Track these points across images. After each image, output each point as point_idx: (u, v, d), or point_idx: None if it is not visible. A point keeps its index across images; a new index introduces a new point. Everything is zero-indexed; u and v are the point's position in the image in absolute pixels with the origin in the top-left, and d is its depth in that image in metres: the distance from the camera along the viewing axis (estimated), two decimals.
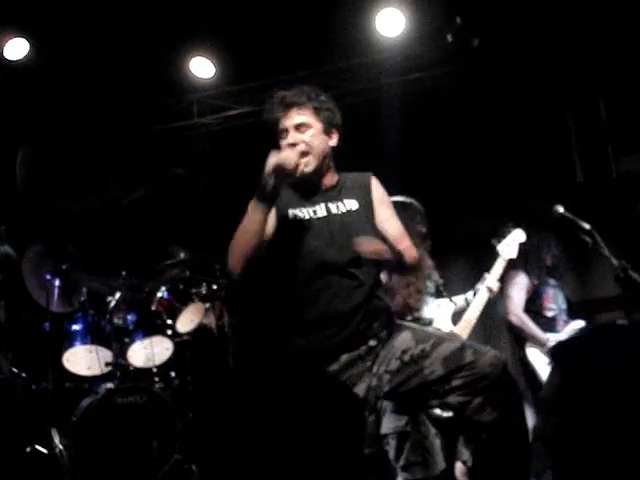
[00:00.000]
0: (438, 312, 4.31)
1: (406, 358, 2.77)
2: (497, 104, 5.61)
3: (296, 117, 2.88)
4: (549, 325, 4.72)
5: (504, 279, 4.67)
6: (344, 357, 2.78)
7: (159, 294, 5.22)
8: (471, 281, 4.66)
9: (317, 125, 2.89)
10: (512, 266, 4.70)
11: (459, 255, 6.13)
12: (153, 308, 5.17)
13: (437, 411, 3.42)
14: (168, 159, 6.20)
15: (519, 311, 4.73)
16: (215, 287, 5.26)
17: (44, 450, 4.78)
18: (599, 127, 5.56)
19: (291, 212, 2.87)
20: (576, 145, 5.57)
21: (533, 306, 4.79)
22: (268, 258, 2.79)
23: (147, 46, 5.49)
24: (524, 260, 4.78)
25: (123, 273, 5.17)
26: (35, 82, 5.66)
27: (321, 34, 5.40)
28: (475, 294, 4.37)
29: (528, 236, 4.63)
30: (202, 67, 5.89)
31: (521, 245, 4.59)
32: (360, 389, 2.77)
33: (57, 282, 5.16)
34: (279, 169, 2.65)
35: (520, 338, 4.74)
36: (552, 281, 4.87)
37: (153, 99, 6.06)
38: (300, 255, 2.79)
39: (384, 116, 5.62)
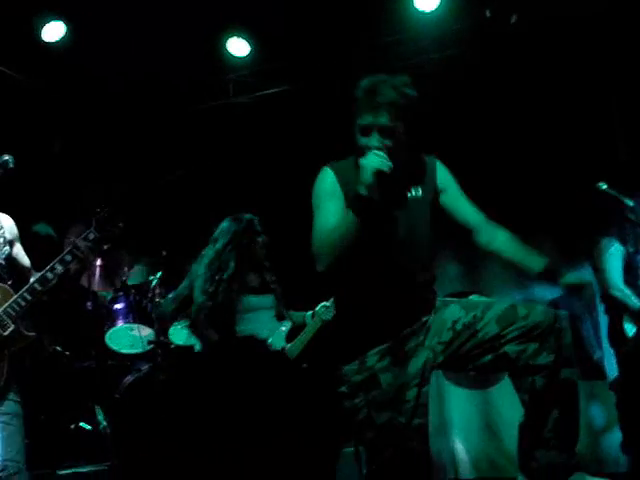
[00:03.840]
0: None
1: (458, 327, 2.85)
2: (533, 83, 5.52)
3: (384, 119, 2.76)
4: None
5: (596, 249, 4.49)
6: (401, 333, 2.85)
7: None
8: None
9: (401, 127, 2.78)
10: (604, 233, 4.47)
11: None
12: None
13: None
14: (205, 138, 6.23)
15: (621, 284, 4.38)
16: None
17: (88, 427, 4.88)
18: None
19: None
20: (619, 124, 5.45)
21: (628, 276, 4.42)
22: None
23: (183, 26, 5.48)
24: (618, 227, 4.44)
25: (163, 252, 5.23)
26: (72, 65, 5.71)
27: (357, 11, 5.37)
28: (314, 316, 4.42)
29: (620, 202, 4.29)
30: (238, 46, 5.88)
31: (618, 212, 4.31)
32: (416, 363, 2.83)
33: (99, 262, 5.24)
34: (380, 175, 2.65)
35: (618, 312, 4.42)
36: None
37: (190, 79, 6.06)
38: (373, 235, 2.78)
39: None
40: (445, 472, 5.35)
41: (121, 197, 4.91)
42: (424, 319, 2.89)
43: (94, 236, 3.34)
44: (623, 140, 5.25)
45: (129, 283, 5.35)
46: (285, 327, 4.59)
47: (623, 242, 4.45)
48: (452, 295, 5.12)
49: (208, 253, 4.35)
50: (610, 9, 5.07)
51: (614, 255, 4.43)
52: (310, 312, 4.56)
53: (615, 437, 4.65)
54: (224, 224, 4.37)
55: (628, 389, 4.40)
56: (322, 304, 4.44)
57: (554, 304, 5.21)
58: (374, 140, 2.76)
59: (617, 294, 4.37)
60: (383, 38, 5.68)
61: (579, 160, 5.38)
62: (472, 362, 2.88)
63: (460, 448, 5.35)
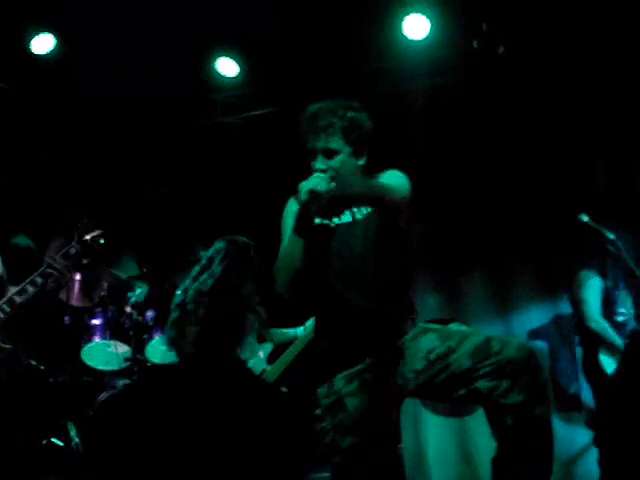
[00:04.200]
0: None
1: (432, 356, 2.85)
2: (523, 112, 5.58)
3: (323, 142, 2.86)
4: (619, 331, 4.48)
5: (575, 280, 4.61)
6: (370, 358, 2.86)
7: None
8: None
9: (346, 149, 2.89)
10: (584, 265, 4.58)
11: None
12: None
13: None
14: (190, 157, 6.23)
15: (598, 317, 4.50)
16: None
17: (60, 443, 4.81)
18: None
19: (318, 220, 2.95)
20: (599, 155, 5.50)
21: (605, 310, 4.54)
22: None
23: (172, 44, 5.49)
24: (599, 260, 4.56)
25: (143, 269, 5.21)
26: (60, 77, 5.70)
27: (347, 36, 5.40)
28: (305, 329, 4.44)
29: (601, 234, 4.44)
30: (227, 66, 5.88)
31: (599, 245, 4.44)
32: (386, 389, 2.85)
33: (78, 276, 5.20)
34: (313, 195, 2.69)
35: (594, 344, 4.52)
36: (621, 284, 4.60)
37: (178, 97, 6.07)
38: (331, 258, 2.88)
39: (409, 120, 5.61)
40: None
41: (103, 212, 4.90)
42: (397, 344, 2.90)
43: (75, 250, 3.33)
44: (603, 171, 5.28)
45: (123, 277, 5.30)
46: (264, 351, 4.58)
47: (603, 276, 4.54)
48: (433, 321, 5.15)
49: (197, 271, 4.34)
50: (594, 40, 5.14)
51: (593, 287, 4.53)
52: (301, 327, 4.57)
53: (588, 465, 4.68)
54: (218, 244, 4.34)
55: (606, 427, 4.45)
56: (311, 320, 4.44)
57: (533, 334, 5.24)
58: (318, 162, 2.85)
59: (594, 326, 4.45)
60: (371, 64, 5.72)
61: (561, 190, 5.42)
62: (445, 394, 2.89)
63: (436, 473, 5.34)
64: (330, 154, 2.86)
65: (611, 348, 4.45)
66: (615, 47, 5.12)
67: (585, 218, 4.24)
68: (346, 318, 2.87)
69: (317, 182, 2.73)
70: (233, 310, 4.15)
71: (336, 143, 2.87)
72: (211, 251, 4.31)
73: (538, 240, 5.51)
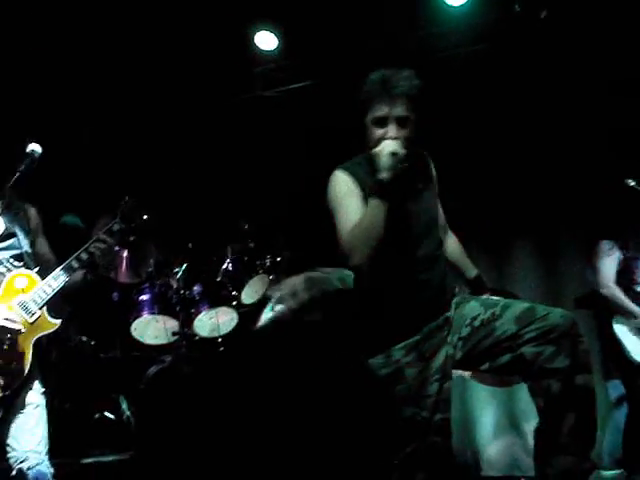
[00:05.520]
0: None
1: (476, 323, 2.88)
2: (566, 77, 5.46)
3: (401, 109, 2.81)
4: (637, 301, 4.58)
5: (595, 251, 4.72)
6: (426, 328, 2.87)
7: (224, 265, 5.29)
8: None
9: (413, 117, 2.85)
10: (605, 236, 4.69)
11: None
12: (218, 279, 5.24)
13: None
14: (230, 131, 6.24)
15: (610, 283, 4.62)
16: (279, 259, 5.31)
17: (112, 416, 4.91)
18: None
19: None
20: None
21: (623, 279, 4.65)
22: None
23: (211, 19, 5.49)
24: (621, 231, 4.70)
25: (189, 245, 5.26)
26: (100, 54, 5.74)
27: (385, 5, 5.34)
28: None
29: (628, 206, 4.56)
30: (266, 40, 5.87)
31: (619, 214, 4.56)
32: (439, 358, 2.86)
33: (125, 253, 5.27)
34: (396, 158, 2.69)
35: (608, 312, 4.63)
36: None
37: (218, 72, 6.07)
38: (392, 230, 2.82)
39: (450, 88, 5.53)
40: (468, 469, 5.34)
41: (147, 189, 4.94)
42: (447, 314, 2.92)
43: (118, 227, 3.37)
44: None
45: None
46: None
47: (623, 246, 4.66)
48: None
49: None
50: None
51: (609, 257, 4.65)
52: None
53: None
54: None
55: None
56: None
57: (579, 303, 5.16)
58: (391, 130, 2.79)
59: (605, 292, 4.60)
60: (412, 32, 5.65)
61: (607, 158, 5.31)
62: (490, 361, 2.88)
63: (484, 445, 5.33)
64: (403, 122, 2.81)
65: (625, 314, 4.55)
66: None
67: (632, 182, 4.20)
68: (407, 289, 2.87)
69: (397, 147, 2.71)
70: None
71: (409, 111, 2.82)
72: None
73: (584, 210, 5.42)
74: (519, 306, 2.87)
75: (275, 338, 4.02)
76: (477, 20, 5.44)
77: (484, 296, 3.13)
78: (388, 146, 2.71)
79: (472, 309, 2.92)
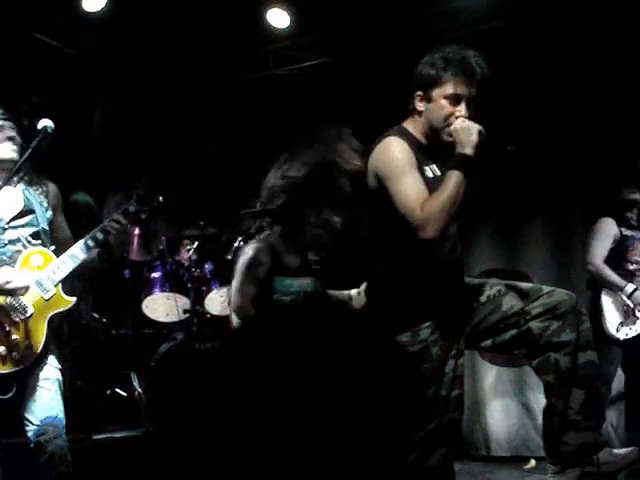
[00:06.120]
0: None
1: (482, 299, 2.92)
2: (586, 56, 5.39)
3: (473, 91, 2.83)
4: (626, 279, 4.69)
5: (592, 227, 4.83)
6: (451, 308, 2.88)
7: (235, 244, 5.29)
8: None
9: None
10: (604, 213, 4.80)
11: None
12: (229, 257, 5.24)
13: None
14: (244, 109, 6.22)
15: (597, 261, 4.73)
16: None
17: (123, 393, 4.94)
18: None
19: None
20: None
21: (615, 256, 4.76)
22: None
23: None
24: (617, 206, 4.82)
25: (201, 223, 5.26)
26: (112, 34, 5.72)
27: None
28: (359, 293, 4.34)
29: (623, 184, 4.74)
30: (278, 18, 5.83)
31: (616, 191, 4.69)
32: (454, 335, 2.88)
33: (137, 231, 5.28)
34: (483, 136, 2.72)
35: (597, 286, 4.75)
36: None
37: (229, 50, 6.04)
38: None
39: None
40: (477, 448, 5.35)
41: (161, 169, 4.94)
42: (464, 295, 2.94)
43: (134, 208, 3.37)
44: None
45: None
46: None
47: (622, 223, 4.80)
48: (487, 272, 5.12)
49: None
50: None
51: (602, 233, 4.80)
52: (355, 290, 4.52)
53: None
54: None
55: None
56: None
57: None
58: (465, 109, 2.81)
59: (590, 268, 4.75)
60: (427, 9, 5.59)
61: (621, 141, 5.27)
62: (494, 336, 2.90)
63: (494, 425, 5.34)
64: (471, 104, 2.83)
65: (612, 287, 4.68)
66: None
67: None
68: (436, 269, 2.86)
69: (479, 126, 2.74)
70: None
71: (475, 94, 2.85)
72: None
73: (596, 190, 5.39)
74: (524, 284, 2.94)
75: (293, 316, 4.02)
76: None
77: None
78: (473, 124, 2.73)
79: (478, 287, 2.95)
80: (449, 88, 2.80)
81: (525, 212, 5.64)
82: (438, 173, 2.91)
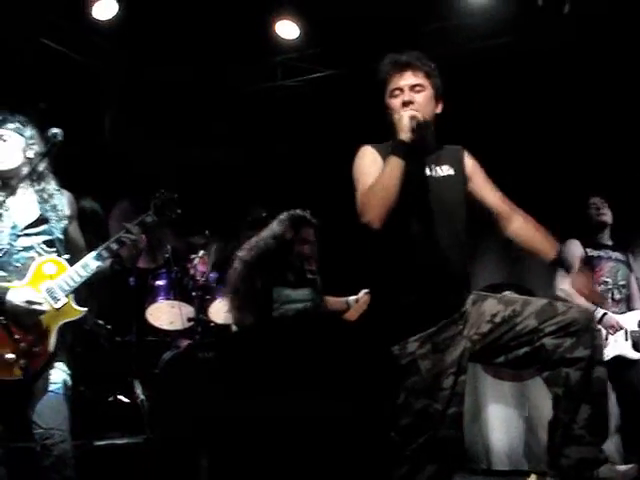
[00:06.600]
0: None
1: (497, 320, 2.88)
2: (587, 73, 5.44)
3: (412, 78, 2.95)
4: None
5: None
6: (441, 321, 2.87)
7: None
8: None
9: (429, 89, 2.97)
10: (572, 235, 4.77)
11: None
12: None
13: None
14: (251, 120, 6.25)
15: (565, 286, 4.52)
16: None
17: (126, 400, 4.95)
18: None
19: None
20: None
21: None
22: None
23: (232, 8, 5.49)
24: (590, 230, 4.80)
25: (206, 232, 5.28)
26: (122, 42, 5.76)
27: None
28: (357, 301, 4.37)
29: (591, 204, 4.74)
30: (287, 29, 5.86)
31: (581, 212, 4.72)
32: (453, 351, 2.86)
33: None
34: (415, 120, 2.80)
35: None
36: (615, 254, 4.78)
37: (238, 61, 6.08)
38: (410, 211, 2.88)
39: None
40: (477, 462, 5.35)
41: (165, 176, 4.96)
42: (462, 309, 2.92)
43: (151, 220, 3.37)
44: None
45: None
46: None
47: (587, 244, 4.77)
48: (490, 287, 5.13)
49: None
50: None
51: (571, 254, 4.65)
52: (353, 297, 4.56)
53: None
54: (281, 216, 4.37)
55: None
56: (364, 291, 4.44)
57: None
58: (405, 95, 2.91)
59: (560, 294, 4.54)
60: (434, 24, 5.64)
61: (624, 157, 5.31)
62: (507, 353, 2.88)
63: (495, 439, 5.34)
64: (416, 88, 2.94)
65: None
66: None
67: None
68: (422, 280, 2.87)
69: (415, 112, 2.84)
70: None
71: (422, 80, 2.96)
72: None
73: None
74: (539, 302, 2.89)
75: (291, 327, 4.04)
76: (499, 13, 5.41)
77: (502, 294, 3.14)
78: (407, 111, 2.84)
79: (492, 306, 2.92)
80: (388, 89, 2.97)
81: None
82: (440, 173, 3.00)
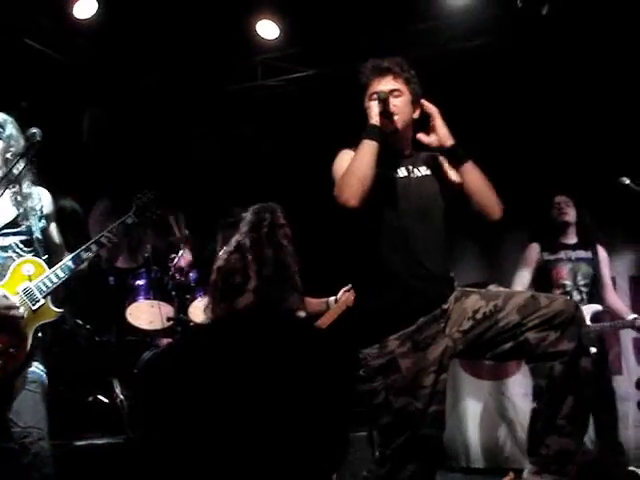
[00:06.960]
0: None
1: (479, 316, 2.88)
2: (565, 74, 5.49)
3: (391, 83, 3.04)
4: None
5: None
6: (421, 319, 2.88)
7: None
8: None
9: (407, 95, 3.06)
10: (531, 238, 4.87)
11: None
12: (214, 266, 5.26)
13: None
14: (232, 120, 6.25)
15: (519, 286, 4.74)
16: None
17: (105, 400, 4.93)
18: None
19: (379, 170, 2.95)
20: None
21: (545, 280, 4.75)
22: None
23: (213, 8, 5.49)
24: (541, 231, 4.87)
25: (186, 232, 5.27)
26: (103, 42, 5.74)
27: None
28: (337, 301, 4.40)
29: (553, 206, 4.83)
30: (267, 29, 5.86)
31: (540, 215, 4.78)
32: (435, 350, 2.87)
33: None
34: (380, 97, 2.93)
35: None
36: (576, 254, 4.81)
37: (218, 60, 6.07)
38: (390, 210, 2.94)
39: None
40: (456, 460, 5.39)
41: (143, 175, 4.94)
42: (444, 307, 2.92)
43: (132, 221, 3.37)
44: None
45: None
46: None
47: (545, 247, 4.84)
48: (470, 285, 5.16)
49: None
50: None
51: (526, 261, 4.85)
52: (333, 297, 4.57)
53: None
54: (248, 214, 4.33)
55: None
56: (344, 289, 4.45)
57: None
58: (381, 94, 2.98)
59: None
60: (414, 25, 5.66)
61: (605, 155, 5.35)
62: (491, 350, 2.90)
63: (474, 437, 5.38)
64: (394, 93, 3.03)
65: None
66: None
67: (627, 181, 4.24)
68: (401, 279, 2.90)
69: (384, 98, 2.96)
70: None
71: (400, 85, 3.06)
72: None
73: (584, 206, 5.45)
74: (522, 296, 2.90)
75: (262, 327, 4.04)
76: (479, 14, 5.44)
77: (486, 289, 3.16)
78: (377, 98, 2.95)
79: (474, 302, 2.91)
80: (369, 90, 3.06)
81: (507, 227, 5.70)
82: (418, 173, 3.06)
